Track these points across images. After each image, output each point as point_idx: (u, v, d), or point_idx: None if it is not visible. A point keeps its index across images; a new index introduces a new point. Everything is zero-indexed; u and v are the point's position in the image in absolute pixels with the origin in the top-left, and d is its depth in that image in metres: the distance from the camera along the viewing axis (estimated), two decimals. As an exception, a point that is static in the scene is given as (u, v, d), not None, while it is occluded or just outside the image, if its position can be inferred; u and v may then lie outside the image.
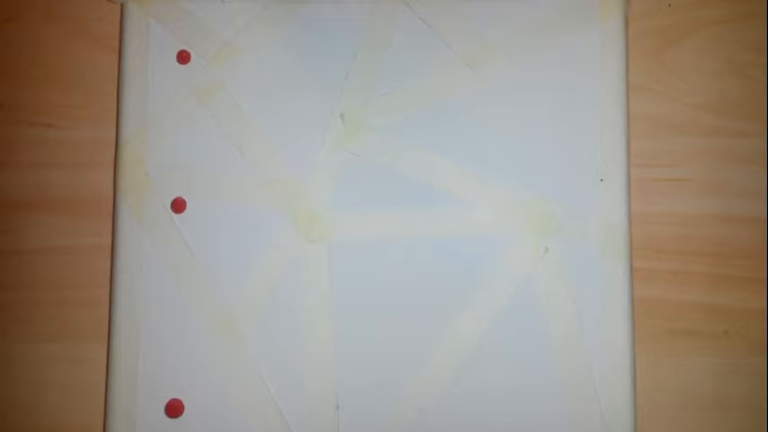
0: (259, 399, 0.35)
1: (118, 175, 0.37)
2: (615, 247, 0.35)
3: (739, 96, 0.38)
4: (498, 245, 0.36)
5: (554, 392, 0.35)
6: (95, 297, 0.37)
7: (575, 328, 0.35)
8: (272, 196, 0.37)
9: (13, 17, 0.39)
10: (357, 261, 0.36)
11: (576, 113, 0.36)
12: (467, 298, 0.35)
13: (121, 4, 0.38)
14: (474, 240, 0.36)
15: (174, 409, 0.35)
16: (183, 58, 0.37)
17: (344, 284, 0.36)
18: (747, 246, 0.37)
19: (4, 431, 0.37)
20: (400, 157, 0.37)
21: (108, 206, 0.37)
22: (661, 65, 0.38)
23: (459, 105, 0.37)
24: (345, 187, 0.36)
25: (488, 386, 0.35)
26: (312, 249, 0.36)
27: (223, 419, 0.35)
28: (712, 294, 0.37)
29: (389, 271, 0.36)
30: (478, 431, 0.35)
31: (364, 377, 0.35)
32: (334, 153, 0.37)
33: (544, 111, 0.37)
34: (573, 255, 0.35)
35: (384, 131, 0.37)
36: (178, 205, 0.37)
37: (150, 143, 0.37)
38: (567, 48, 0.37)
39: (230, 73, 0.37)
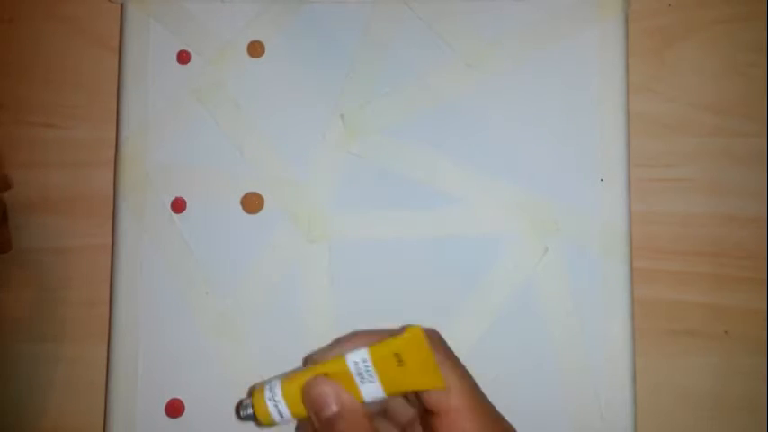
0: (259, 399, 0.35)
1: (118, 175, 0.37)
2: (615, 247, 0.35)
3: (739, 96, 0.38)
4: (498, 245, 0.36)
5: (554, 392, 0.35)
6: (95, 297, 0.37)
7: (575, 328, 0.35)
8: (272, 196, 0.37)
9: (14, 17, 0.39)
10: (357, 261, 0.36)
11: (576, 113, 0.36)
12: (467, 298, 0.35)
13: (121, 5, 0.38)
14: (474, 240, 0.36)
15: (174, 409, 0.35)
16: (183, 58, 0.37)
17: (344, 284, 0.36)
18: (747, 246, 0.37)
19: (5, 431, 0.37)
20: (400, 158, 0.37)
21: (108, 206, 0.37)
22: (661, 65, 0.38)
23: (459, 105, 0.37)
24: (346, 187, 0.36)
25: (488, 386, 0.35)
26: (312, 249, 0.36)
27: (223, 419, 0.35)
28: (712, 294, 0.37)
29: (389, 271, 0.36)
30: (478, 431, 0.35)
31: (364, 377, 0.35)
32: (334, 153, 0.37)
33: (544, 111, 0.37)
34: (573, 255, 0.35)
35: (384, 132, 0.37)
36: (178, 205, 0.37)
37: (150, 143, 0.37)
38: (567, 48, 0.37)
39: (230, 73, 0.37)
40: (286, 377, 0.27)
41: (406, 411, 0.29)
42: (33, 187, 0.38)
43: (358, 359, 0.26)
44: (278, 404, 0.27)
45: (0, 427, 0.37)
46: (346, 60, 0.37)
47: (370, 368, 0.26)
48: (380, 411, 0.29)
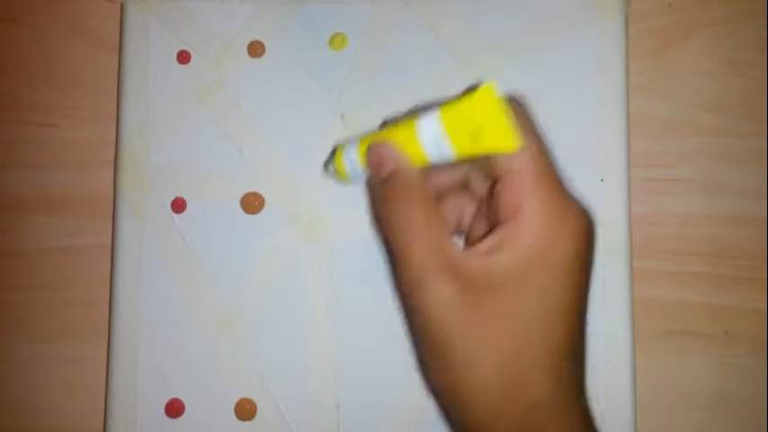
0: (259, 399, 0.35)
1: (118, 175, 0.37)
2: (615, 247, 0.35)
3: (739, 96, 0.38)
4: (498, 245, 0.36)
5: (554, 392, 0.35)
6: (95, 297, 0.37)
7: (575, 328, 0.35)
8: (272, 196, 0.37)
9: (14, 17, 0.39)
10: (357, 261, 0.36)
11: (575, 113, 0.36)
12: (467, 298, 0.35)
13: (121, 4, 0.38)
14: (474, 240, 0.36)
15: (174, 409, 0.35)
16: (184, 58, 0.37)
17: (344, 284, 0.36)
18: (747, 246, 0.37)
19: (5, 431, 0.37)
20: (400, 157, 0.36)
21: (108, 206, 0.37)
22: (661, 65, 0.38)
23: (459, 105, 0.37)
24: (345, 187, 0.36)
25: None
26: (312, 249, 0.36)
27: (223, 419, 0.35)
28: (712, 294, 0.37)
29: (389, 271, 0.36)
30: (478, 431, 0.35)
31: (364, 377, 0.35)
32: (334, 153, 0.37)
33: (544, 111, 0.37)
34: (573, 255, 0.35)
35: (384, 131, 0.37)
36: (178, 205, 0.37)
37: (150, 143, 0.37)
38: (567, 48, 0.37)
39: (230, 73, 0.37)
40: (362, 138, 0.29)
41: (485, 186, 0.29)
42: (33, 187, 0.38)
43: (428, 121, 0.27)
44: (353, 162, 0.29)
45: (0, 428, 0.37)
46: (346, 60, 0.37)
47: (437, 130, 0.26)
48: (461, 185, 0.30)
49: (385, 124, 0.30)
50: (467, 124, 0.26)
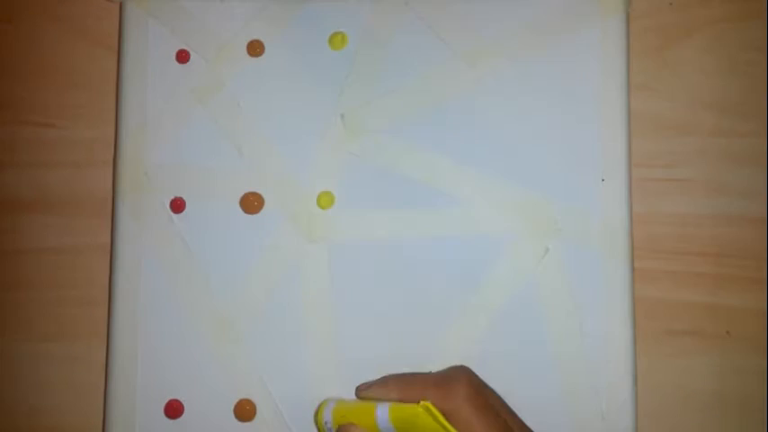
0: (259, 399, 0.35)
1: (117, 175, 0.37)
2: (616, 247, 0.35)
3: (740, 96, 0.38)
4: (499, 245, 0.36)
5: (555, 393, 0.34)
6: (94, 297, 0.37)
7: (576, 329, 0.35)
8: (271, 196, 0.36)
9: (12, 17, 0.39)
10: (357, 261, 0.36)
11: (576, 113, 0.36)
12: (467, 298, 0.35)
13: (120, 4, 0.38)
14: (474, 241, 0.36)
15: (173, 410, 0.35)
16: (183, 57, 0.37)
17: (344, 284, 0.36)
18: (748, 246, 0.37)
19: (4, 431, 0.37)
20: (400, 158, 0.36)
21: (107, 206, 0.37)
22: (662, 64, 0.38)
23: (459, 105, 0.37)
24: (345, 188, 0.36)
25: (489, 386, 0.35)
26: (312, 250, 0.36)
27: (222, 420, 0.35)
28: (713, 294, 0.37)
29: (389, 271, 0.36)
30: None
31: (364, 377, 0.35)
32: (334, 153, 0.37)
33: (545, 110, 0.37)
34: (574, 255, 0.35)
35: (384, 132, 0.37)
36: (177, 205, 0.36)
37: (149, 143, 0.37)
38: (568, 47, 0.37)
39: (230, 72, 0.37)
40: (336, 407, 0.33)
41: None
42: (33, 187, 0.38)
43: (382, 412, 0.30)
44: (328, 424, 0.33)
45: (0, 427, 0.37)
46: (346, 60, 0.37)
47: (388, 422, 0.30)
48: None
49: (357, 389, 0.34)
50: (409, 425, 0.29)
